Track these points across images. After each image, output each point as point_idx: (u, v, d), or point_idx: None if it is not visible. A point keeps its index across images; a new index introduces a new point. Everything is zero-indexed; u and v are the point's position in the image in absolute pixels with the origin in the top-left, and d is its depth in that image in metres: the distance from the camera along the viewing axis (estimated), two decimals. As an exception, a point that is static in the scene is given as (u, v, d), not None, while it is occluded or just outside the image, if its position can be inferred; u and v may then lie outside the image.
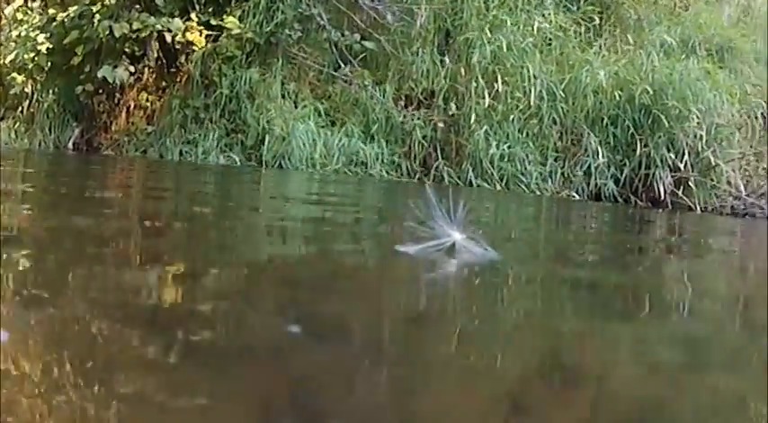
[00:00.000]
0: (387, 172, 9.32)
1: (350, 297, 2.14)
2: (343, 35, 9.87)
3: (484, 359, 1.59)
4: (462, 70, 9.51)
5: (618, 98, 9.19)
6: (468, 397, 1.34)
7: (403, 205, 5.46)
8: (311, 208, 5.34)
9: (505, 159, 9.04)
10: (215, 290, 2.06)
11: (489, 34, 9.57)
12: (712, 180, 9.22)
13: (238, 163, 9.47)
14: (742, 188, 9.18)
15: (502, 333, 1.85)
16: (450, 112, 9.20)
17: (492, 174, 8.99)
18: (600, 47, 9.72)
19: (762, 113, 9.90)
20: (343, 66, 9.95)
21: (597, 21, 10.01)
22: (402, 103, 9.90)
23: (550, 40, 9.77)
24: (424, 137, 9.45)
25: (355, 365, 1.43)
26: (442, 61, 9.75)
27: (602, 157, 8.99)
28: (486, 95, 9.13)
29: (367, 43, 9.96)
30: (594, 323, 2.08)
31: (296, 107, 9.65)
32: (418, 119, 9.54)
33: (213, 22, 10.11)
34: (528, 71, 9.31)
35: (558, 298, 2.52)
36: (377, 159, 9.37)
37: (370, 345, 1.60)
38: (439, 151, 9.46)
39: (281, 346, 1.48)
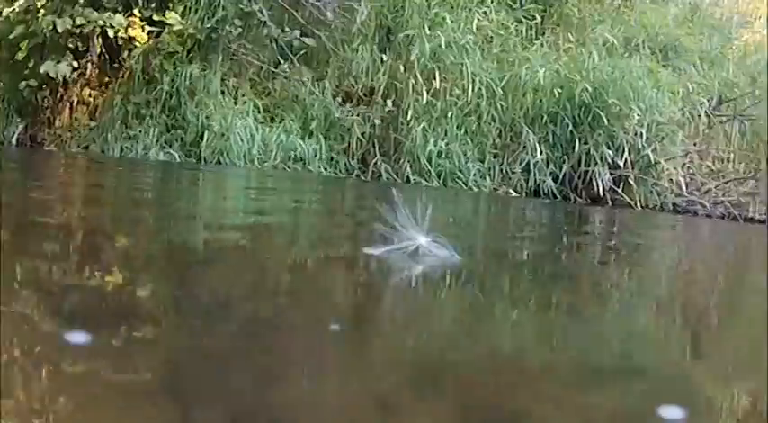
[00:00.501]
0: (325, 168, 9.30)
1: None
2: (283, 31, 9.85)
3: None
4: (401, 67, 9.49)
5: (558, 96, 9.18)
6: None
7: (358, 205, 5.51)
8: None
9: (443, 156, 9.04)
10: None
11: (429, 32, 9.56)
12: (653, 178, 9.24)
13: (178, 159, 9.42)
14: (683, 186, 9.20)
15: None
16: (387, 109, 9.16)
17: (429, 171, 8.96)
18: (541, 45, 9.74)
19: (705, 111, 9.94)
20: (283, 62, 9.92)
21: (539, 19, 10.03)
22: (341, 99, 9.88)
23: (492, 37, 9.76)
24: (362, 133, 9.43)
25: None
26: (381, 58, 9.73)
27: (541, 154, 9.01)
28: (425, 92, 9.14)
29: (307, 40, 9.95)
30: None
31: (235, 103, 9.62)
32: (357, 115, 9.51)
33: (155, 17, 10.07)
34: (467, 68, 9.30)
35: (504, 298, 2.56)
36: (315, 156, 9.34)
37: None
38: (377, 148, 9.43)
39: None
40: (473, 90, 9.21)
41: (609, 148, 9.02)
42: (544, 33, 10.17)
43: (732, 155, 10.57)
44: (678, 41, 10.37)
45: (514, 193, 8.89)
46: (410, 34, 9.71)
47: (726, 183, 10.13)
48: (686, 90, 9.77)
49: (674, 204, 9.29)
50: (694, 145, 9.76)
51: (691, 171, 9.87)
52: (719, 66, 10.81)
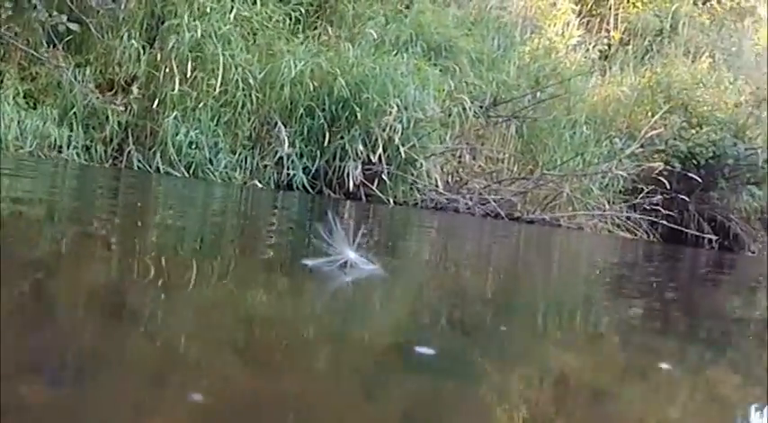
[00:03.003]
0: (78, 155, 9.30)
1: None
2: (50, 15, 9.83)
3: None
4: (160, 56, 9.58)
5: (317, 90, 9.40)
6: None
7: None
8: None
9: (194, 147, 9.14)
10: None
11: (193, 21, 9.68)
12: (412, 175, 9.54)
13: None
14: (439, 183, 9.54)
15: None
16: (133, 96, 9.24)
17: (179, 161, 9.06)
18: (306, 38, 9.97)
19: (475, 112, 10.33)
20: (50, 48, 9.90)
21: (311, 13, 10.27)
22: (105, 87, 9.90)
23: (257, 29, 9.94)
24: (119, 122, 9.46)
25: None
26: (144, 47, 9.81)
27: (295, 147, 9.20)
28: (178, 82, 9.23)
29: (71, 25, 9.94)
30: None
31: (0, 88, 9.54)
32: (116, 104, 9.55)
33: None
34: (226, 59, 9.45)
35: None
36: (69, 143, 9.33)
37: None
38: (134, 137, 9.49)
39: None
40: (230, 81, 9.33)
41: (365, 144, 9.25)
42: (316, 28, 10.40)
43: (507, 155, 10.97)
44: (453, 42, 10.72)
45: (259, 185, 9.05)
46: (173, 23, 9.79)
47: (497, 183, 10.52)
48: (456, 90, 10.10)
49: (432, 200, 9.59)
50: (458, 142, 10.11)
51: (454, 168, 10.22)
52: (499, 68, 11.24)
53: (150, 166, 9.31)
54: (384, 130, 9.44)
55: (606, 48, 15.95)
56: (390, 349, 1.81)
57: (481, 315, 2.55)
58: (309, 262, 2.66)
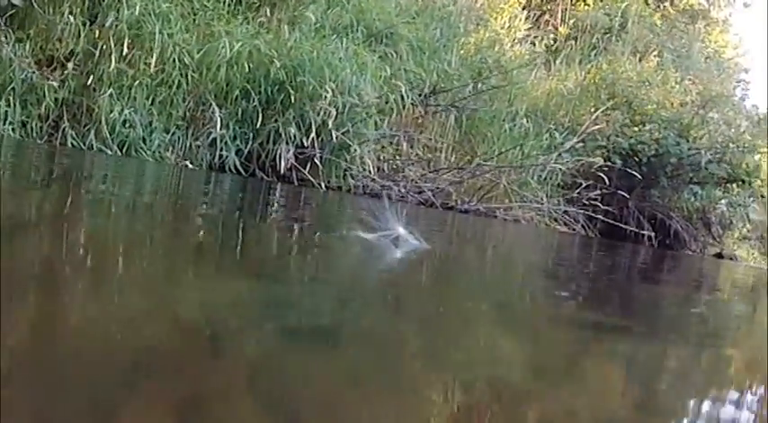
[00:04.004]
0: (14, 131, 9.42)
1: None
2: (-6, -10, 9.94)
3: None
4: (99, 32, 9.72)
5: (253, 72, 9.59)
6: None
7: None
8: None
9: (128, 125, 9.29)
10: None
11: (133, -2, 9.83)
12: (346, 160, 9.76)
13: None
14: (371, 169, 9.76)
15: None
16: (70, 73, 9.37)
17: (112, 139, 9.22)
18: (246, 20, 10.15)
19: (412, 100, 10.57)
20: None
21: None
22: (43, 63, 10.01)
23: (198, 9, 10.11)
24: (56, 99, 9.59)
25: None
26: (85, 23, 9.94)
27: (229, 129, 9.38)
28: (114, 59, 9.37)
29: (15, 0, 10.04)
30: None
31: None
32: (52, 79, 9.67)
33: None
34: (164, 38, 9.61)
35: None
36: (6, 119, 9.45)
37: None
38: (69, 114, 9.62)
39: None
40: (167, 60, 9.49)
41: (299, 128, 9.46)
42: (258, 10, 10.57)
43: (445, 145, 11.22)
44: (394, 29, 10.96)
45: (190, 165, 9.24)
46: (115, 0, 9.92)
47: (433, 171, 10.78)
48: (395, 77, 10.33)
49: (365, 187, 9.81)
50: (392, 129, 10.34)
51: (396, 157, 10.46)
52: (441, 58, 11.49)
53: (84, 144, 9.46)
54: (318, 115, 9.66)
55: (552, 43, 16.29)
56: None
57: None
58: (366, 235, 3.19)
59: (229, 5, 10.53)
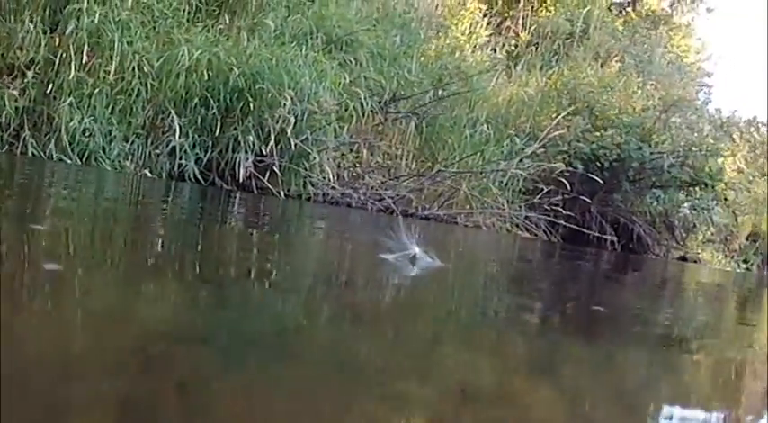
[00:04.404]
0: (-29, 141, 9.50)
1: None
2: (-47, -2, 10.01)
3: None
4: (59, 41, 9.82)
5: (212, 80, 9.71)
6: None
7: None
8: None
9: (87, 134, 9.39)
10: None
11: (95, 6, 9.92)
12: (305, 168, 9.89)
13: None
14: (331, 177, 9.90)
15: None
16: (30, 81, 9.46)
17: (72, 148, 9.31)
18: (207, 28, 10.28)
19: (372, 107, 10.73)
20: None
21: (211, 2, 10.57)
22: (3, 71, 10.08)
23: (158, 17, 10.23)
24: (17, 108, 9.67)
25: None
26: (46, 31, 10.03)
27: (188, 137, 9.50)
28: (73, 68, 9.47)
29: (-26, 9, 10.12)
30: None
31: None
32: (12, 88, 9.75)
33: None
34: (124, 46, 9.71)
35: None
36: (-36, 129, 9.53)
37: None
38: (30, 123, 9.70)
39: None
40: (127, 68, 9.60)
41: (258, 136, 9.59)
42: (218, 17, 10.70)
43: (406, 152, 11.39)
44: (354, 36, 11.13)
45: (149, 174, 9.34)
46: (76, 8, 10.02)
47: (393, 179, 10.94)
48: (354, 84, 10.49)
49: (325, 194, 9.96)
50: (352, 137, 10.50)
51: (356, 164, 10.61)
52: (401, 65, 11.67)
53: (45, 153, 9.55)
54: (277, 122, 9.80)
55: (513, 49, 16.52)
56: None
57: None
58: (386, 256, 3.51)
59: (189, 13, 10.66)
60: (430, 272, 3.61)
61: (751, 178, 21.77)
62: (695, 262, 18.13)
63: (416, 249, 3.52)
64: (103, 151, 9.59)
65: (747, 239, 22.60)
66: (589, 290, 5.52)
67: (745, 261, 22.21)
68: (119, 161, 9.61)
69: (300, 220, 7.84)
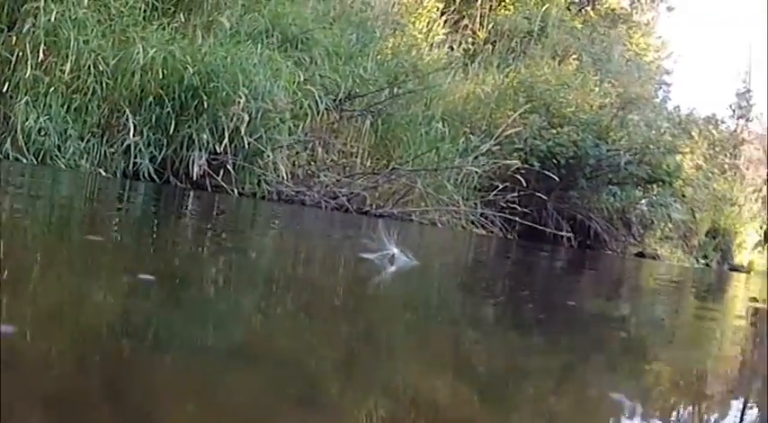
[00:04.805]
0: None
1: None
2: None
3: None
4: (15, 39, 9.97)
5: (167, 78, 9.90)
6: None
7: None
8: None
9: (43, 133, 9.55)
10: None
11: (51, 5, 10.07)
12: (259, 167, 10.11)
13: None
14: (284, 174, 10.13)
15: None
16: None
17: (28, 147, 9.47)
18: (162, 26, 10.46)
19: (327, 105, 10.95)
20: None
21: (167, 0, 10.75)
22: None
23: (114, 15, 10.40)
24: (-27, 108, 9.82)
25: None
26: (3, 29, 10.17)
27: (143, 136, 9.70)
28: (30, 67, 9.63)
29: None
30: None
31: None
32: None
33: None
34: (80, 44, 9.88)
35: None
36: None
37: None
38: (-12, 123, 9.85)
39: None
40: (83, 67, 9.77)
41: (212, 134, 9.80)
42: (174, 15, 10.89)
43: (361, 150, 11.64)
44: (310, 34, 11.35)
45: (104, 173, 9.53)
46: (33, 6, 10.17)
47: (347, 177, 11.18)
48: (309, 82, 10.71)
49: (279, 193, 10.19)
50: (320, 137, 10.74)
51: (311, 162, 10.84)
52: (356, 63, 11.91)
53: (0, 152, 9.70)
54: (231, 121, 10.01)
55: (471, 47, 16.80)
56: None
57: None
58: (366, 255, 3.90)
59: (145, 11, 10.85)
60: (407, 270, 3.97)
61: (710, 175, 22.22)
62: (653, 258, 18.49)
63: (395, 249, 3.91)
64: (59, 150, 9.76)
65: (707, 235, 23.05)
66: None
67: (704, 257, 22.66)
68: (74, 160, 9.78)
69: (277, 219, 8.07)
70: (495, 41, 17.29)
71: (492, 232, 13.49)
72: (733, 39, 72.08)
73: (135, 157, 9.89)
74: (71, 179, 8.93)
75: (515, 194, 13.62)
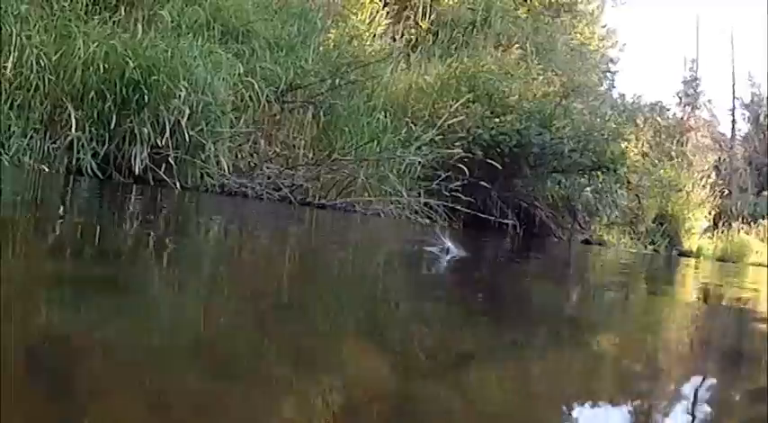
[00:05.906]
0: None
1: None
2: None
3: None
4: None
5: (108, 72, 10.24)
6: None
7: None
8: None
9: (-13, 131, 9.86)
10: None
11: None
12: (202, 160, 10.49)
13: None
14: (225, 167, 10.52)
15: None
16: None
17: (-29, 146, 9.78)
18: (103, 20, 10.79)
19: (268, 96, 11.36)
20: None
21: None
22: None
23: (57, 10, 10.71)
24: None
25: None
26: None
27: (85, 131, 10.03)
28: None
29: None
30: None
31: None
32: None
33: None
34: (22, 40, 10.17)
35: None
36: None
37: None
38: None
39: None
40: (25, 62, 10.07)
41: (154, 128, 10.16)
42: (116, 9, 11.22)
43: (303, 141, 12.07)
44: (250, 27, 11.75)
45: (46, 169, 9.84)
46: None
47: (289, 168, 11.62)
48: (250, 74, 11.11)
49: (222, 185, 10.59)
50: (247, 127, 11.13)
51: (253, 154, 11.24)
52: (298, 54, 12.34)
53: (-55, 153, 10.00)
54: (172, 114, 10.38)
55: (413, 37, 17.28)
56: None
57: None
58: (429, 248, 5.59)
59: (87, 5, 11.17)
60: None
61: (656, 162, 22.92)
62: (599, 245, 19.13)
63: (449, 243, 5.47)
64: (2, 147, 10.06)
65: (654, 222, 23.74)
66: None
67: (652, 243, 23.35)
68: (17, 157, 10.09)
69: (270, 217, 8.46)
70: (437, 32, 17.78)
71: (436, 222, 13.95)
72: (681, 27, 73.53)
73: (78, 153, 10.21)
74: (13, 177, 9.26)
75: (459, 184, 14.08)
